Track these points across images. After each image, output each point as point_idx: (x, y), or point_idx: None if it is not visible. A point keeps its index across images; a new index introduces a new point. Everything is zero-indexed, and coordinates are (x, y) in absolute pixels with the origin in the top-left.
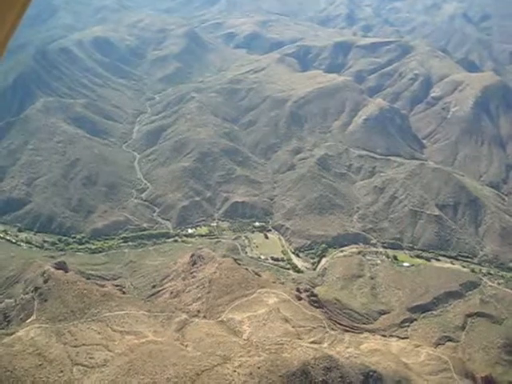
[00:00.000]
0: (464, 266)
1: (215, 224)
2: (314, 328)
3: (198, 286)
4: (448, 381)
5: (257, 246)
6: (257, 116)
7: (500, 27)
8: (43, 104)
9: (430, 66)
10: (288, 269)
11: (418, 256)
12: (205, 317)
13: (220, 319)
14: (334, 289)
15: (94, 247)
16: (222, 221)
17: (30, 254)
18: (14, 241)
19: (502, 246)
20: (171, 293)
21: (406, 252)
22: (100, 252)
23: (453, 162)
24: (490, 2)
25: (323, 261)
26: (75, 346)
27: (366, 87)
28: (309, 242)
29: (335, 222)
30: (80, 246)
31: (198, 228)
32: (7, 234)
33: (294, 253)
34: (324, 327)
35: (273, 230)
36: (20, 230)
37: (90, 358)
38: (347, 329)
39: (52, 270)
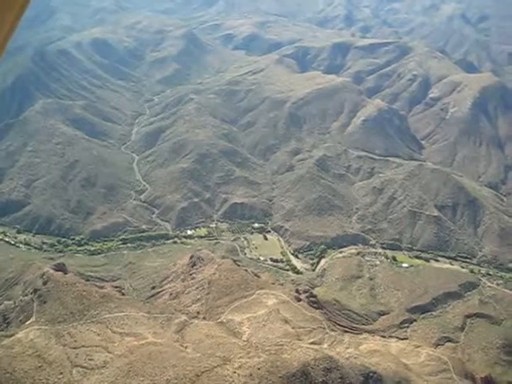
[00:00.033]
0: (463, 267)
1: (214, 225)
2: (313, 329)
3: (197, 288)
4: (448, 381)
5: (256, 248)
6: (255, 117)
7: (498, 28)
8: (42, 106)
9: (429, 67)
10: (287, 270)
11: (417, 257)
12: (204, 318)
13: (219, 320)
14: (334, 290)
15: (93, 249)
16: (221, 222)
17: (29, 255)
18: (12, 242)
19: (501, 246)
20: (170, 294)
21: (405, 253)
22: (99, 253)
23: (451, 163)
24: (489, 3)
25: (322, 262)
26: (75, 348)
27: (364, 88)
28: (308, 243)
29: (334, 222)
30: (79, 248)
31: (197, 229)
32: (6, 235)
33: (293, 254)
34: (324, 328)
35: (272, 231)
36: (19, 232)
37: (90, 359)
38: (347, 330)
39: (51, 271)
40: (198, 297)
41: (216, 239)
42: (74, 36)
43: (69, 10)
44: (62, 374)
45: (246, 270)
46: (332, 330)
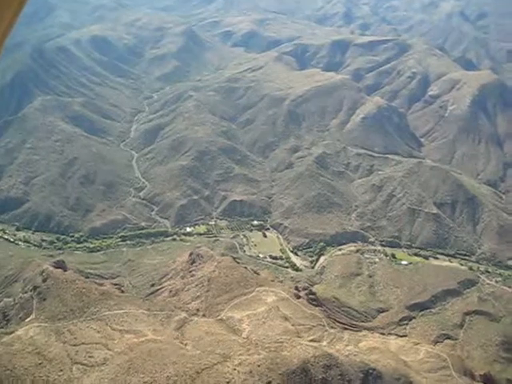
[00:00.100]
0: (462, 264)
1: (213, 223)
2: (313, 326)
3: (197, 285)
4: (447, 378)
5: (255, 245)
6: (255, 114)
7: (497, 25)
8: (41, 103)
9: (428, 65)
10: (286, 267)
11: (416, 254)
12: (204, 315)
13: (219, 318)
14: (333, 287)
15: (92, 246)
16: (221, 219)
17: (29, 252)
18: (12, 240)
19: (500, 244)
20: (170, 291)
21: (404, 250)
22: (98, 251)
23: (450, 161)
24: (487, 1)
25: (321, 259)
26: (75, 345)
27: (363, 85)
28: (307, 241)
29: (333, 220)
30: (78, 245)
31: (197, 227)
32: (5, 233)
33: (292, 251)
34: (323, 325)
35: (271, 229)
36: (18, 229)
37: (90, 356)
38: (346, 327)
39: (51, 268)
40: (198, 294)
41: (215, 236)
42: (73, 33)
43: (68, 7)
44: (62, 371)
45: (245, 268)
46: (331, 327)
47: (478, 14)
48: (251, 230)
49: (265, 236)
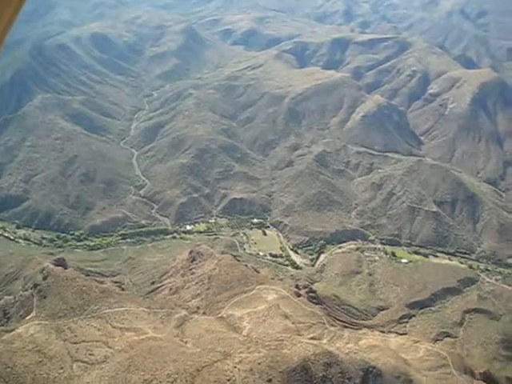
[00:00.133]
0: (462, 263)
1: (213, 221)
2: (313, 324)
3: (197, 283)
4: (447, 376)
5: (255, 243)
6: (255, 112)
7: (497, 24)
8: (41, 101)
9: (428, 63)
10: (286, 265)
11: (416, 252)
12: (204, 313)
13: (220, 315)
14: (333, 285)
15: (92, 244)
16: (221, 217)
17: (29, 250)
18: (12, 238)
19: (500, 242)
20: (170, 289)
21: (404, 248)
22: (98, 249)
23: (450, 159)
24: None
25: (321, 257)
26: (75, 343)
27: (363, 84)
28: (307, 239)
29: (333, 218)
30: (78, 243)
31: (197, 225)
32: (5, 230)
33: (292, 249)
34: (323, 323)
35: (271, 227)
36: (18, 227)
37: (90, 354)
38: (346, 325)
39: (51, 266)
40: (198, 292)
41: (215, 234)
42: (73, 31)
43: (68, 5)
44: (62, 368)
45: (245, 266)
46: (331, 325)
47: (478, 12)
48: (251, 228)
49: (265, 234)
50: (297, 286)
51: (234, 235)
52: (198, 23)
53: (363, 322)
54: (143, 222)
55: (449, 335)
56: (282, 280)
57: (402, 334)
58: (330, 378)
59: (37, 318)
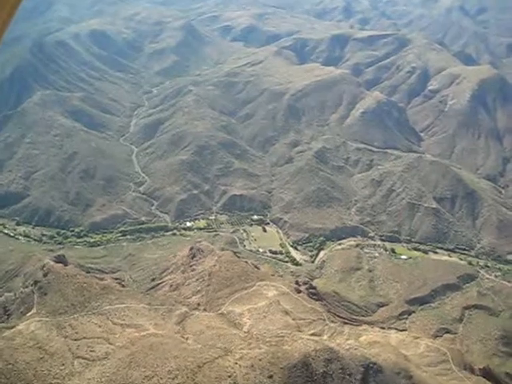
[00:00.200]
0: (461, 259)
1: (213, 217)
2: (313, 320)
3: (197, 279)
4: (447, 372)
5: (255, 239)
6: (254, 109)
7: (497, 20)
8: (40, 97)
9: (427, 59)
10: (286, 262)
11: (415, 249)
12: (205, 309)
13: (220, 312)
14: (333, 281)
15: (92, 240)
16: (220, 214)
17: (29, 247)
18: (12, 234)
19: (499, 238)
20: (171, 286)
21: (404, 245)
22: (99, 245)
23: (450, 155)
24: None
25: (321, 254)
26: (76, 340)
27: (363, 80)
28: (307, 235)
29: (333, 215)
30: (78, 240)
31: (197, 221)
32: (5, 227)
33: (292, 246)
34: (324, 320)
35: (271, 223)
36: (18, 224)
37: (91, 351)
38: (346, 321)
39: (51, 263)
40: (199, 288)
41: (215, 231)
42: (72, 27)
43: (67, 2)
44: (63, 365)
45: (245, 262)
46: (332, 321)
47: (477, 8)
48: (251, 225)
49: (265, 230)
50: (297, 283)
51: (234, 232)
52: (197, 19)
53: (363, 318)
54: (143, 218)
55: (448, 331)
56: (282, 276)
57: (401, 331)
58: (331, 374)
59: (37, 315)
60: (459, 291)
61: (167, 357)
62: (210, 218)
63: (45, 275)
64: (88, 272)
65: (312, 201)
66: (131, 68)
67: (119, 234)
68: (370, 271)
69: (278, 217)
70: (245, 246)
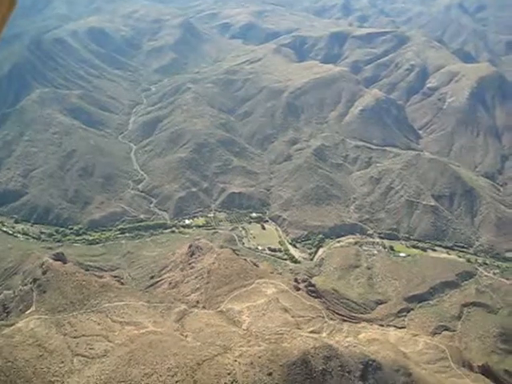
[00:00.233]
0: (460, 256)
1: (212, 215)
2: (312, 318)
3: (196, 277)
4: (446, 369)
5: (254, 237)
6: (253, 107)
7: (496, 18)
8: (39, 95)
9: (426, 57)
10: (285, 259)
11: (414, 246)
12: (204, 307)
13: (219, 309)
14: (332, 279)
15: (91, 238)
16: (219, 212)
17: (28, 245)
18: (10, 232)
19: (498, 236)
20: (170, 283)
21: (403, 242)
22: (97, 243)
23: (448, 153)
24: None
25: (320, 251)
26: (75, 337)
27: (362, 78)
28: (306, 233)
29: (332, 212)
30: (77, 238)
31: (195, 219)
32: (4, 225)
33: (291, 243)
34: (323, 317)
35: (270, 221)
36: (17, 222)
37: (91, 348)
38: (345, 318)
39: (50, 261)
40: (198, 286)
41: (214, 229)
42: (70, 25)
43: None
44: (63, 362)
45: (244, 260)
46: (331, 318)
47: (476, 6)
48: (250, 222)
49: (263, 228)
50: (296, 280)
51: (232, 229)
52: (195, 17)
53: (362, 315)
54: (142, 216)
55: (447, 329)
56: (281, 274)
57: (400, 328)
58: (330, 371)
59: (36, 313)
60: (458, 289)
61: (166, 354)
62: (209, 215)
63: (44, 273)
64: (87, 270)
65: (311, 198)
66: (129, 66)
67: (118, 232)
68: (369, 269)
69: (276, 214)
70: (244, 243)
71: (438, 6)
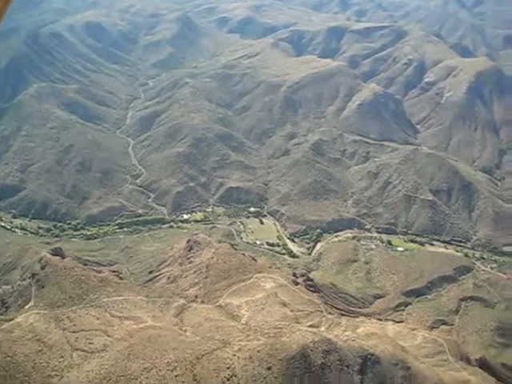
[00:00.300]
0: (457, 251)
1: (210, 209)
2: (311, 312)
3: (195, 272)
4: (444, 363)
5: (252, 232)
6: (251, 101)
7: (493, 12)
8: (36, 89)
9: (424, 51)
10: (283, 254)
11: (412, 241)
12: (203, 302)
13: (218, 304)
14: (330, 273)
15: (89, 233)
16: (217, 206)
17: (26, 240)
18: (8, 227)
19: (495, 230)
20: (168, 278)
21: (401, 237)
22: (95, 238)
23: (446, 147)
24: None
25: (318, 246)
26: (74, 332)
27: (359, 72)
28: (304, 227)
29: (330, 207)
30: (75, 233)
31: (194, 213)
32: (2, 220)
33: (289, 238)
34: (321, 311)
35: (268, 216)
36: (15, 217)
37: (90, 343)
38: (343, 313)
39: (49, 256)
40: (196, 281)
41: (212, 223)
42: (67, 19)
43: None
44: (62, 357)
45: (243, 254)
46: (329, 313)
47: (474, 0)
48: (248, 217)
49: (262, 223)
50: (294, 275)
51: (230, 224)
52: (193, 11)
53: (360, 309)
54: (140, 211)
55: (445, 323)
56: (279, 268)
57: (398, 322)
58: (329, 365)
59: (35, 308)
60: (455, 283)
61: (166, 349)
62: (207, 210)
63: (42, 268)
64: (85, 265)
65: (309, 193)
66: (127, 60)
67: (116, 227)
68: (367, 263)
69: (274, 209)
70: (242, 238)
71: (436, 0)
